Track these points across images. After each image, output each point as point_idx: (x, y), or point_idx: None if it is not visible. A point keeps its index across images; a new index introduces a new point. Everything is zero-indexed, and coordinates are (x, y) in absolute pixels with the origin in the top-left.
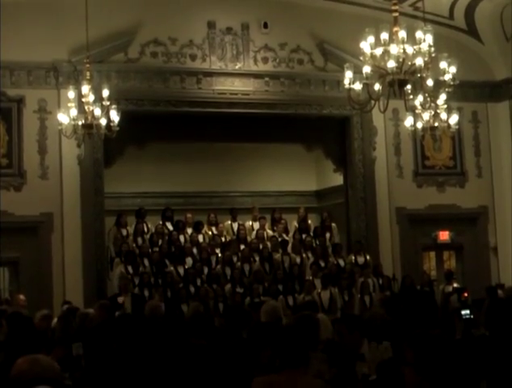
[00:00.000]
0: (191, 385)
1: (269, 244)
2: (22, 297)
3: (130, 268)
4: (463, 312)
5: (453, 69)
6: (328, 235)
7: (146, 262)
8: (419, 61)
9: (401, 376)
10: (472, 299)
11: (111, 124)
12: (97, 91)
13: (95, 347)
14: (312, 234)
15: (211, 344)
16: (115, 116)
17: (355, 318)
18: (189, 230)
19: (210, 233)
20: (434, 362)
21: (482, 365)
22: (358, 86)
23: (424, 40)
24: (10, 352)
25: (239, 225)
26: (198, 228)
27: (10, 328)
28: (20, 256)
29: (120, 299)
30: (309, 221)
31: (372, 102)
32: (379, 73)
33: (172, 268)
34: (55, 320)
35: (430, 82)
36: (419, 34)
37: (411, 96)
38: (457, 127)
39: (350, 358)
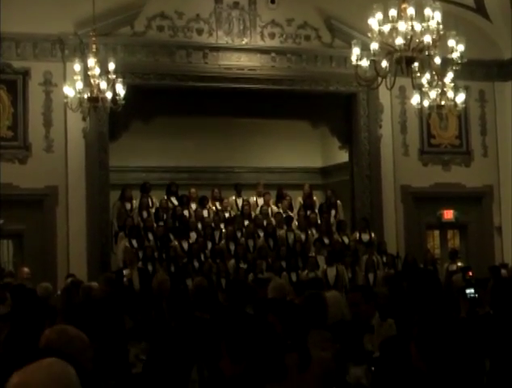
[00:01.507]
0: (195, 358)
1: (273, 220)
2: (26, 269)
3: (134, 242)
4: (467, 291)
5: (461, 48)
6: (333, 212)
7: (151, 236)
8: (427, 39)
9: (405, 353)
10: (475, 278)
11: (117, 98)
12: (103, 65)
13: (100, 320)
14: (317, 210)
15: (214, 318)
16: (120, 90)
17: (370, 288)
18: (193, 205)
19: (214, 208)
20: (435, 341)
21: (486, 344)
22: (365, 63)
23: (432, 18)
24: (15, 323)
25: (243, 200)
26: (202, 203)
27: (14, 300)
28: (25, 229)
29: (126, 272)
30: (314, 198)
31: (379, 79)
32: (387, 50)
33: (176, 243)
34: (58, 292)
35: (437, 60)
36: (428, 11)
37: (418, 74)
38: (464, 106)
39: (359, 330)
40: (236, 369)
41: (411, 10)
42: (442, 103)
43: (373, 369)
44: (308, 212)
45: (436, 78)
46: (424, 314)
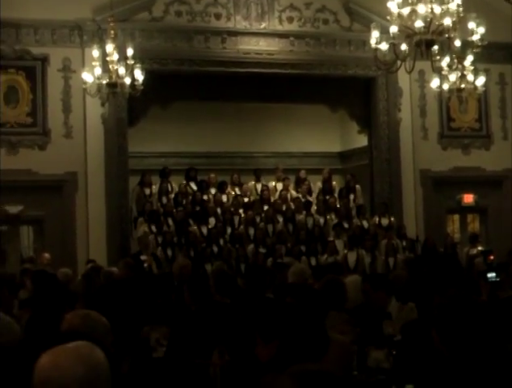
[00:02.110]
0: (216, 342)
1: (292, 205)
2: (47, 255)
3: (153, 227)
4: (489, 275)
5: (481, 30)
6: (352, 197)
7: (170, 221)
8: (447, 21)
9: (426, 337)
10: (496, 262)
11: (135, 83)
12: (121, 50)
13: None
14: (336, 195)
15: (234, 303)
16: (139, 75)
17: (380, 276)
18: (212, 190)
19: (233, 193)
20: (455, 324)
21: (508, 328)
22: (384, 47)
23: (452, 0)
24: (36, 308)
25: (263, 185)
26: (222, 188)
27: (35, 286)
28: (45, 215)
29: (144, 257)
30: (333, 183)
31: (398, 62)
32: (406, 33)
33: (195, 228)
34: (78, 278)
35: (457, 43)
36: None
37: (438, 57)
38: (483, 89)
39: (376, 317)
40: (270, 352)
41: None
42: (462, 86)
43: (394, 352)
44: (328, 197)
45: (456, 60)
46: (444, 298)
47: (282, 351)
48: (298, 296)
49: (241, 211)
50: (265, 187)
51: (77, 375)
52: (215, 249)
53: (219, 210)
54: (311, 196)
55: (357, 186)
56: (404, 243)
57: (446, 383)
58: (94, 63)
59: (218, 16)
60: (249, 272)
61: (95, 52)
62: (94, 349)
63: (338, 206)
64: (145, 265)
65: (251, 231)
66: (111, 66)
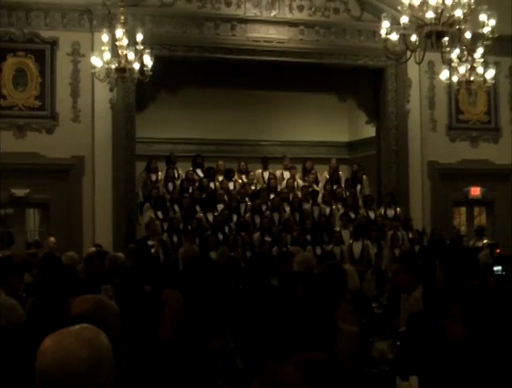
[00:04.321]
0: (221, 329)
1: (299, 194)
2: (52, 239)
3: (160, 214)
4: (495, 268)
5: (492, 22)
6: (359, 187)
7: (176, 208)
8: (458, 13)
9: (431, 329)
10: (502, 255)
11: (144, 69)
12: (131, 35)
13: (126, 289)
14: (342, 185)
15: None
16: (148, 61)
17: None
18: (220, 178)
19: (240, 181)
20: (483, 314)
21: None
22: (394, 37)
23: None
24: (40, 292)
25: (270, 173)
26: (229, 175)
27: (40, 269)
28: (51, 199)
29: (151, 242)
30: (340, 173)
31: (408, 53)
32: (417, 23)
33: (202, 215)
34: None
35: (468, 35)
36: None
37: (448, 48)
38: (493, 81)
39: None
40: None
41: None
42: (472, 78)
43: (398, 343)
44: (335, 187)
45: (466, 53)
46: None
47: (290, 339)
48: (307, 285)
49: (247, 199)
50: (272, 176)
51: (82, 358)
52: (220, 236)
53: (226, 197)
54: (317, 185)
55: (364, 176)
56: (410, 235)
57: (450, 375)
58: (103, 48)
59: (228, 3)
60: (252, 259)
61: (105, 37)
62: (97, 332)
63: (345, 196)
64: (152, 251)
65: (257, 219)
66: (120, 51)
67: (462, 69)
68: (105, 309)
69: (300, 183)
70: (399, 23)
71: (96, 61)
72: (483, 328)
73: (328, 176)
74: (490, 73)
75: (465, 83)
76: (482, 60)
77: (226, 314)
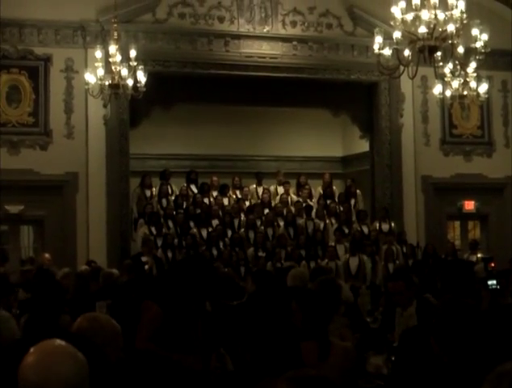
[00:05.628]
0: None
1: (293, 209)
2: (47, 255)
3: (154, 229)
4: (489, 282)
5: (485, 37)
6: (352, 202)
7: (170, 223)
8: (450, 28)
9: (425, 344)
10: (497, 269)
11: (138, 85)
12: (124, 51)
13: (121, 305)
14: (336, 199)
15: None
16: (141, 77)
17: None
18: (214, 193)
19: (234, 196)
20: (456, 333)
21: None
22: (387, 52)
23: (456, 7)
24: (35, 309)
25: (263, 189)
26: (223, 191)
27: (34, 285)
28: (45, 215)
29: (145, 259)
30: (334, 187)
31: (401, 68)
32: (410, 38)
33: (196, 230)
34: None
35: (460, 49)
36: (451, 0)
37: (441, 63)
38: (486, 96)
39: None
40: None
41: None
42: (465, 92)
43: (393, 358)
44: (328, 202)
45: (459, 67)
46: (440, 303)
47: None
48: (301, 300)
49: (241, 214)
50: (265, 191)
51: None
52: (214, 252)
53: (220, 213)
54: (311, 200)
55: (357, 191)
56: (404, 249)
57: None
58: (96, 64)
59: (221, 19)
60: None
61: (98, 53)
62: (73, 350)
63: (339, 211)
64: (146, 267)
65: (251, 235)
66: (113, 67)
67: (455, 84)
68: (102, 327)
69: (294, 198)
70: (392, 38)
71: (90, 78)
72: (456, 347)
73: (322, 191)
74: (483, 88)
75: (458, 98)
76: (475, 74)
77: (220, 330)
